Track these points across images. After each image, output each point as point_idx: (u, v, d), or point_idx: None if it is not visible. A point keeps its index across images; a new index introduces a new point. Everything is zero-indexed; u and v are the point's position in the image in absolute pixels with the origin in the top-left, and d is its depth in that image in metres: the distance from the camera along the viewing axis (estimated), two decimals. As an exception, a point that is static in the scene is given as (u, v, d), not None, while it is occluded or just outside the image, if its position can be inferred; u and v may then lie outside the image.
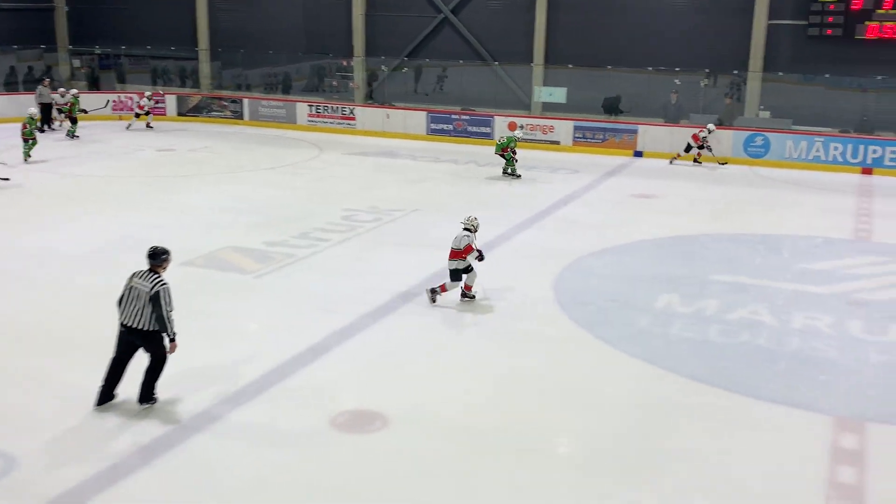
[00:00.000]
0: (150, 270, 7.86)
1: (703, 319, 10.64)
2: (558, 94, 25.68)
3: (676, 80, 24.51)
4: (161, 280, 7.78)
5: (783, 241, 14.60)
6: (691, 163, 21.73)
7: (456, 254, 10.81)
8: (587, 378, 9.09)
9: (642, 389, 8.86)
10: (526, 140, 23.69)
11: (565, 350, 9.79)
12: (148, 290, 7.68)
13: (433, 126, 25.42)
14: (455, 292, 11.01)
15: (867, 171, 20.84)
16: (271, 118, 27.38)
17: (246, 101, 27.91)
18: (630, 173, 20.85)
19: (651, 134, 23.06)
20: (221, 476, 7.02)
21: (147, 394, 7.98)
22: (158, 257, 7.90)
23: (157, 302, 7.66)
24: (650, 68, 24.93)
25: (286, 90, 29.83)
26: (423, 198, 17.40)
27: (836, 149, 21.15)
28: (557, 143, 23.97)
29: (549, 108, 26.15)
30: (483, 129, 24.82)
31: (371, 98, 28.44)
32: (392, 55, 28.45)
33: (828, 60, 23.39)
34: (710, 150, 21.53)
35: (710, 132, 21.38)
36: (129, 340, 7.90)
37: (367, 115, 26.44)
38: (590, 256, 13.32)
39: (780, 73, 24.23)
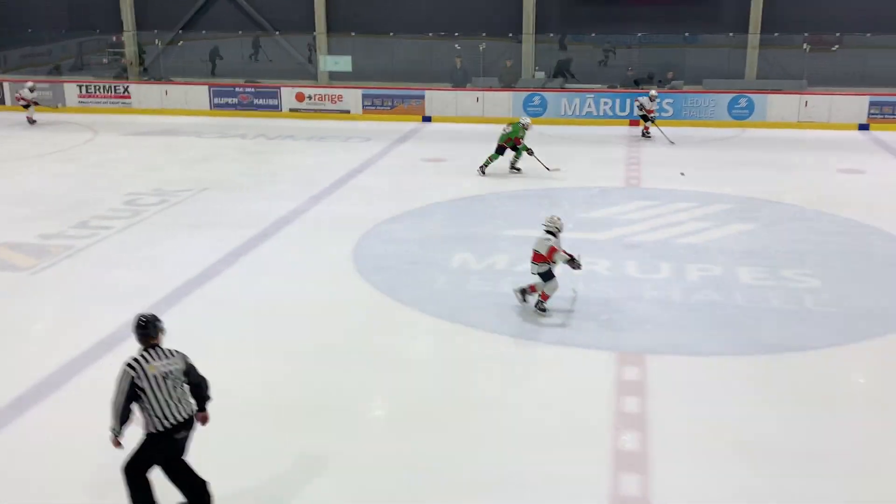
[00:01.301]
0: (152, 347, 5.95)
1: (495, 274, 11.12)
2: (344, 63, 25.60)
3: (457, 45, 25.15)
4: (175, 349, 6.09)
5: (563, 193, 15.47)
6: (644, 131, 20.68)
7: (539, 257, 9.67)
8: (390, 341, 9.26)
9: (443, 346, 9.18)
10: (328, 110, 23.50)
11: (367, 316, 9.91)
12: (181, 365, 5.98)
13: (216, 101, 24.56)
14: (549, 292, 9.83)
15: (634, 122, 22.42)
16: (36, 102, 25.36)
17: (6, 84, 25.63)
18: (420, 138, 21.23)
19: (438, 99, 23.54)
20: (10, 488, 6.58)
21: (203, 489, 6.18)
22: (154, 326, 6.01)
23: (194, 370, 6.09)
24: (431, 34, 25.40)
25: (53, 71, 27.72)
26: (212, 176, 16.84)
27: (605, 104, 22.57)
28: (347, 111, 23.93)
29: (336, 77, 26.03)
30: (270, 102, 24.28)
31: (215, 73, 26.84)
32: (166, 28, 27.14)
33: (594, 20, 24.88)
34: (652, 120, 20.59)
35: (651, 99, 20.42)
36: (174, 443, 6.00)
37: (143, 92, 25.09)
38: (387, 222, 13.49)
39: (552, 35, 25.49)
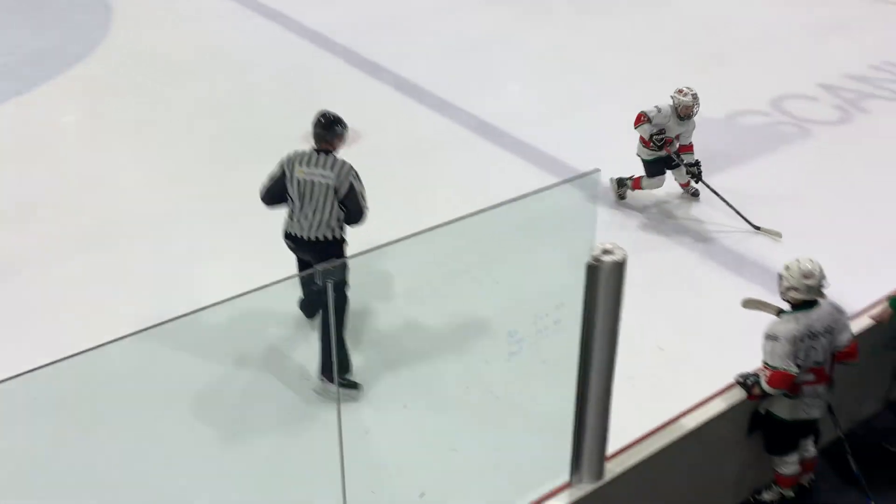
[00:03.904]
0: (322, 151, 4.88)
1: None
2: None
3: None
4: (346, 163, 4.88)
5: None
6: None
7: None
8: None
9: None
10: None
11: None
12: (332, 180, 4.79)
13: None
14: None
15: None
16: None
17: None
18: None
19: None
20: None
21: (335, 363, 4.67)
22: (333, 128, 4.91)
23: (356, 198, 4.85)
24: None
25: None
26: None
27: None
28: None
29: None
30: None
31: None
32: None
33: None
34: None
35: None
36: (302, 262, 5.05)
37: None
38: None
39: None
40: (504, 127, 8.10)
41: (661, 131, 6.57)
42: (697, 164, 6.77)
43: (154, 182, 7.16)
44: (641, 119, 6.58)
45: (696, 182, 6.83)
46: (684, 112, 6.58)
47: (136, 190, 7.09)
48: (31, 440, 3.81)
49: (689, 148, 6.80)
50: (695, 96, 6.55)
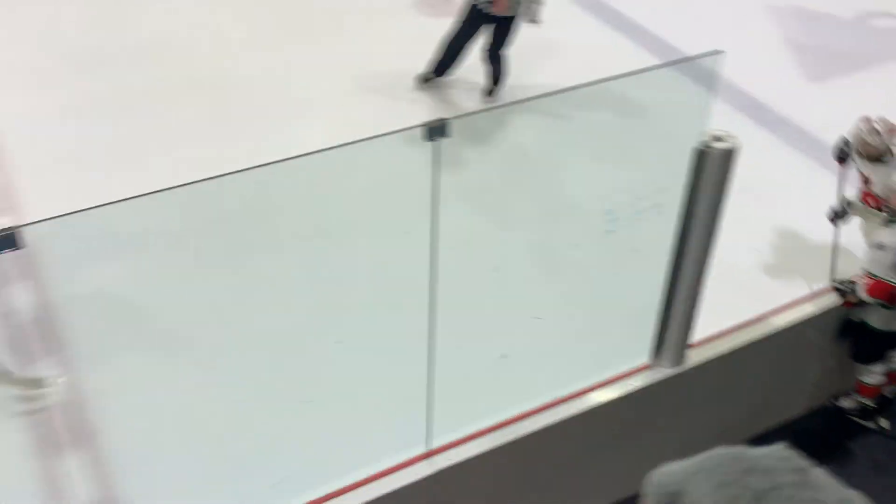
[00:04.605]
0: None
1: None
2: None
3: None
4: None
5: None
6: None
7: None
8: None
9: None
10: None
11: None
12: None
13: None
14: None
15: None
16: None
17: None
18: None
19: None
20: None
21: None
22: None
23: None
24: None
25: None
26: None
27: None
28: None
29: None
30: None
31: None
32: None
33: None
34: None
35: None
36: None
37: None
38: None
39: None
40: (621, 7, 7.80)
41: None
42: (840, 212, 4.60)
43: (265, 33, 7.22)
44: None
45: (831, 221, 4.65)
46: (861, 148, 4.43)
47: (248, 40, 7.17)
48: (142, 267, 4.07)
49: (875, 200, 4.45)
50: (876, 132, 4.34)
